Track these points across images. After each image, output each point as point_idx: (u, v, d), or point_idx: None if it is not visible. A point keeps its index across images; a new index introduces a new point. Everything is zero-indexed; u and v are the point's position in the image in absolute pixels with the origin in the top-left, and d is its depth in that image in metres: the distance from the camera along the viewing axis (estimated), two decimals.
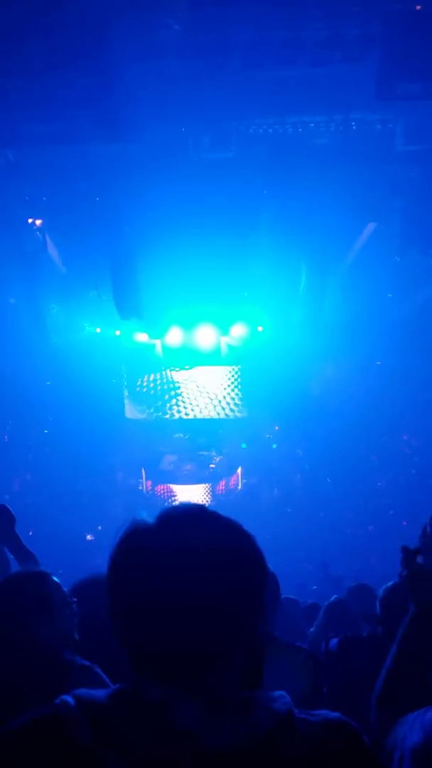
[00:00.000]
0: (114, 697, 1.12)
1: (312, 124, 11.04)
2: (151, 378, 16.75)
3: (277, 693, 1.16)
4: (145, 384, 16.83)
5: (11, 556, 4.59)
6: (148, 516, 1.19)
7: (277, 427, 17.47)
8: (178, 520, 1.19)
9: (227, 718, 1.09)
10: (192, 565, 1.12)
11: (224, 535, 1.18)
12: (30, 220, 12.87)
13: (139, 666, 1.14)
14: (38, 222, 12.94)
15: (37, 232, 13.03)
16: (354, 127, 11.06)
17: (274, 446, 17.47)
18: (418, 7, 8.68)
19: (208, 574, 1.12)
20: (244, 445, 17.09)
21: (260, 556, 1.20)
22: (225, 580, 1.13)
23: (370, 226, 13.35)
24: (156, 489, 17.08)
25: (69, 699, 1.11)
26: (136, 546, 1.17)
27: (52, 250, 13.65)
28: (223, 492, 16.93)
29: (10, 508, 4.68)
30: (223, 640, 1.12)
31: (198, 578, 1.11)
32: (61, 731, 1.07)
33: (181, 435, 17.01)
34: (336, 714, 1.19)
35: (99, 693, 1.14)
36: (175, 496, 16.77)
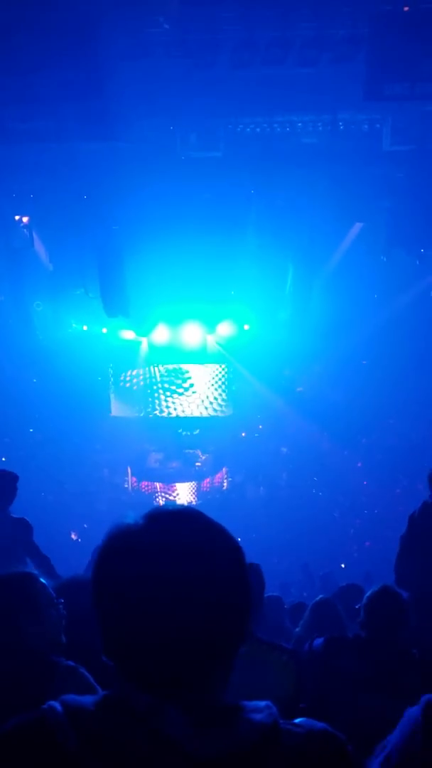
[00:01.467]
0: (101, 704, 1.12)
1: (300, 124, 11.05)
2: (138, 376, 16.73)
3: (263, 703, 1.16)
4: (131, 381, 16.81)
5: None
6: (135, 515, 1.17)
7: (260, 426, 17.48)
8: (165, 520, 1.17)
9: (213, 728, 1.09)
10: (180, 566, 1.10)
11: (212, 537, 1.17)
12: (17, 217, 12.81)
13: (124, 673, 1.13)
14: (25, 219, 12.88)
15: (24, 229, 12.97)
16: (341, 127, 11.09)
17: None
18: (405, 8, 8.73)
19: (195, 576, 1.10)
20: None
21: (245, 562, 1.19)
22: (213, 582, 1.12)
23: (357, 226, 13.40)
24: (142, 487, 17.07)
25: (57, 705, 1.11)
26: (123, 546, 1.14)
27: (39, 247, 13.58)
28: (209, 490, 16.95)
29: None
30: (210, 645, 1.11)
31: (184, 580, 1.10)
32: (49, 737, 1.07)
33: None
34: (321, 725, 1.19)
35: (86, 699, 1.13)
36: (160, 493, 16.77)
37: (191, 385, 16.64)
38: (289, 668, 3.05)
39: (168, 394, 16.68)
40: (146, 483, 17.02)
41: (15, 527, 5.82)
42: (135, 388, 16.80)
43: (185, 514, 1.19)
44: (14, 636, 2.54)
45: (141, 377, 16.71)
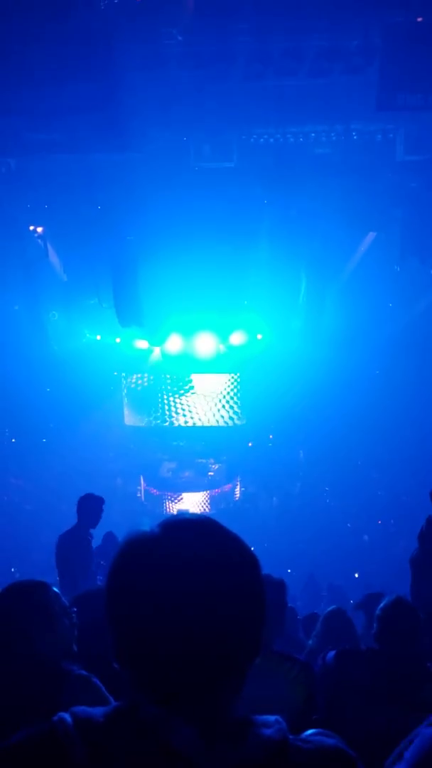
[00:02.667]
0: (111, 716, 1.11)
1: (313, 134, 11.09)
2: (151, 385, 16.75)
3: (273, 718, 1.14)
4: (144, 391, 16.83)
5: None
6: (149, 524, 1.16)
7: (271, 436, 17.41)
8: (180, 530, 1.15)
9: (221, 743, 1.07)
10: (193, 577, 1.09)
11: (228, 548, 1.15)
12: (31, 228, 12.91)
13: (135, 683, 1.12)
14: (40, 229, 12.99)
15: (39, 240, 13.09)
16: (354, 137, 11.11)
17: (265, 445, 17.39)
18: (419, 19, 8.75)
19: (211, 586, 1.09)
20: None
21: (261, 575, 1.17)
22: (228, 593, 1.10)
23: (370, 236, 13.39)
24: (155, 496, 17.06)
25: (67, 717, 1.11)
26: (136, 556, 1.14)
27: (54, 258, 13.68)
28: (222, 500, 16.91)
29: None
30: (223, 658, 1.10)
31: (200, 590, 1.08)
32: (58, 750, 1.07)
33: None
34: (332, 741, 1.16)
35: (97, 711, 1.12)
36: (173, 503, 16.75)
37: (204, 395, 16.64)
38: (301, 680, 3.02)
39: (181, 403, 16.68)
40: (159, 492, 17.01)
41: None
42: (148, 397, 16.82)
43: (200, 523, 1.17)
44: (27, 644, 2.54)
45: (154, 387, 16.73)
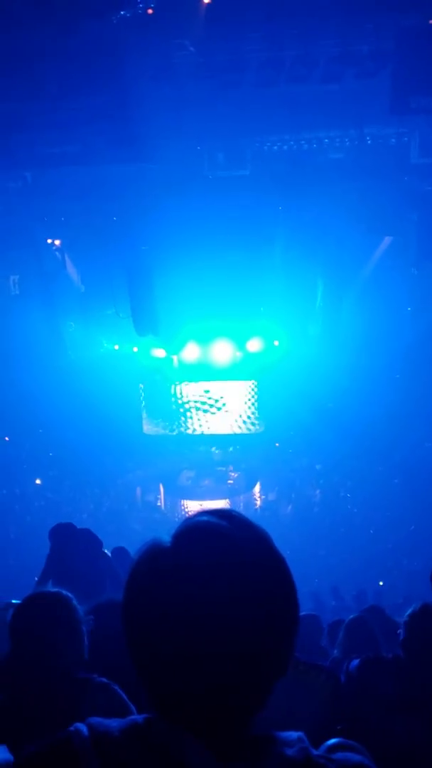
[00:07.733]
0: (126, 730, 1.07)
1: (326, 140, 11.10)
2: (169, 394, 16.77)
3: (295, 735, 1.08)
4: (162, 400, 16.85)
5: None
6: (167, 533, 1.11)
7: (277, 444, 17.26)
8: (194, 538, 1.09)
9: (237, 762, 1.02)
10: (209, 588, 1.03)
11: (246, 553, 1.08)
12: (49, 241, 13.03)
13: (152, 699, 1.08)
14: (57, 242, 13.10)
15: (56, 252, 13.20)
16: (369, 141, 11.10)
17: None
18: (431, 22, 8.73)
19: (230, 599, 1.03)
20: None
21: (288, 577, 1.11)
22: (247, 602, 1.04)
23: (387, 240, 13.33)
24: (174, 505, 17.05)
25: (83, 728, 1.08)
26: (150, 568, 1.09)
27: (71, 269, 13.78)
28: (241, 508, 16.85)
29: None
30: (243, 673, 1.04)
31: (216, 603, 1.03)
32: (72, 762, 1.05)
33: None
34: (357, 758, 1.10)
35: (113, 724, 1.09)
36: (193, 512, 16.71)
37: (223, 403, 16.62)
38: (326, 689, 2.96)
39: (199, 411, 16.67)
40: (179, 501, 17.00)
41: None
42: (166, 406, 16.83)
43: (217, 530, 1.10)
44: (52, 654, 2.57)
45: (172, 395, 16.75)
